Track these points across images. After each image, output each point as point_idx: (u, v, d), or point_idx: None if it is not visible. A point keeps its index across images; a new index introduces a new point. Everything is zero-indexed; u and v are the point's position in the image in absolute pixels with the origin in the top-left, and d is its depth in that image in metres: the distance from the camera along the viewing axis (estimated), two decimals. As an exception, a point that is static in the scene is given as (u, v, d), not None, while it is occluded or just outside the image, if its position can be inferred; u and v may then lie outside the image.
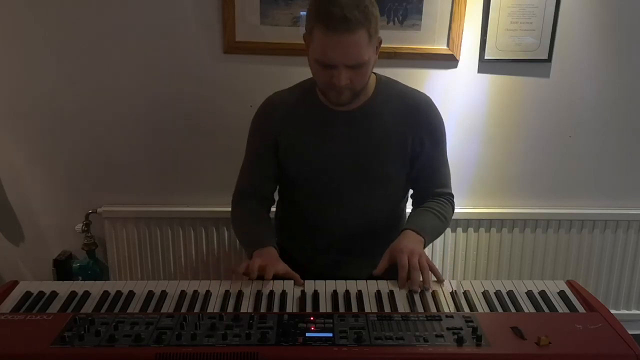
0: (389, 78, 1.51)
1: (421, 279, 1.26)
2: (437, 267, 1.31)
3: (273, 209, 1.62)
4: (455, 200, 2.05)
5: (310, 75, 1.43)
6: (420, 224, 1.41)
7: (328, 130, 1.45)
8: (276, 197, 1.63)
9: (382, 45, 1.82)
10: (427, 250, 2.06)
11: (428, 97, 1.50)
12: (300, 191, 1.53)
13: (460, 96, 1.96)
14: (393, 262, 1.31)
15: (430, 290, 1.24)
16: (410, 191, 1.60)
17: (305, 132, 1.47)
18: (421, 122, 1.46)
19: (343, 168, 1.46)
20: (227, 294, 1.22)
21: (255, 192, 1.54)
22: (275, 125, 1.48)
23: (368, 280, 1.27)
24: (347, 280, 1.27)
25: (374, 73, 1.46)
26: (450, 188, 1.55)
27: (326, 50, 1.28)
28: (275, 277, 1.29)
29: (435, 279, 1.28)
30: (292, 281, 1.28)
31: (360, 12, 1.24)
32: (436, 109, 1.49)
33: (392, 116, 1.45)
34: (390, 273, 1.31)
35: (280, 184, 1.59)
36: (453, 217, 2.01)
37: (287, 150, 1.48)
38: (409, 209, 1.60)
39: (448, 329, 1.06)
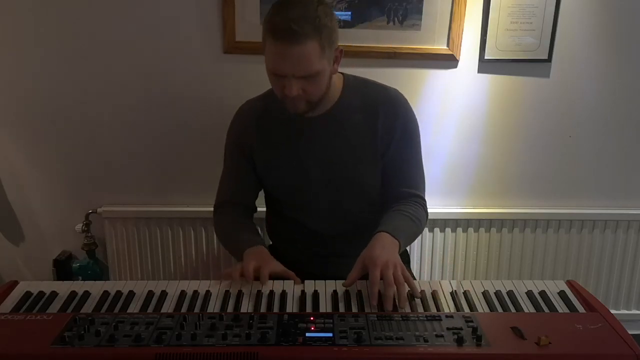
0: (358, 77, 1.49)
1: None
2: (412, 280, 1.22)
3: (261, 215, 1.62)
4: (455, 200, 2.06)
5: None
6: (394, 226, 1.34)
7: (298, 138, 1.44)
8: (262, 203, 1.62)
9: (382, 46, 1.86)
10: (426, 251, 2.07)
11: (398, 92, 1.48)
12: (280, 198, 1.54)
13: (460, 96, 1.96)
14: (366, 272, 1.23)
15: (403, 307, 1.15)
16: None
17: (276, 140, 1.47)
18: (389, 117, 1.43)
19: (317, 173, 1.45)
20: (227, 294, 1.22)
21: (235, 202, 1.54)
22: (247, 134, 1.48)
23: (368, 280, 1.27)
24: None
25: (342, 73, 1.46)
26: (421, 191, 1.49)
27: (274, 60, 1.28)
28: (273, 276, 1.28)
29: (411, 293, 1.20)
30: (292, 281, 1.28)
31: (308, 24, 1.23)
32: (407, 103, 1.47)
33: (361, 115, 1.43)
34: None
35: (264, 190, 1.59)
36: (453, 217, 2.03)
37: (261, 160, 1.49)
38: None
39: (448, 329, 1.06)
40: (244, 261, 1.31)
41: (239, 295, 1.22)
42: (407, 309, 1.16)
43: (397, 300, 1.17)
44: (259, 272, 1.27)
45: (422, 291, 1.23)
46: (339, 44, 1.36)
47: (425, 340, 1.02)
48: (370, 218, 1.48)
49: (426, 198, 1.51)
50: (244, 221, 1.52)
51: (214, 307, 1.18)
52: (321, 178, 1.46)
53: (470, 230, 2.07)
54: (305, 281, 1.28)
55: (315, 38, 1.24)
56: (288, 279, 1.29)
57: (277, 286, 1.25)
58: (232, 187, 1.54)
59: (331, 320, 1.09)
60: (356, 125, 1.43)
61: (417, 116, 1.50)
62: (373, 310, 1.16)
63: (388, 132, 1.43)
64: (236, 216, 1.52)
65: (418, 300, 1.20)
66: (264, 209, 1.67)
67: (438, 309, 1.17)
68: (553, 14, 1.86)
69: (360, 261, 1.26)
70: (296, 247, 1.55)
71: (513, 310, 1.17)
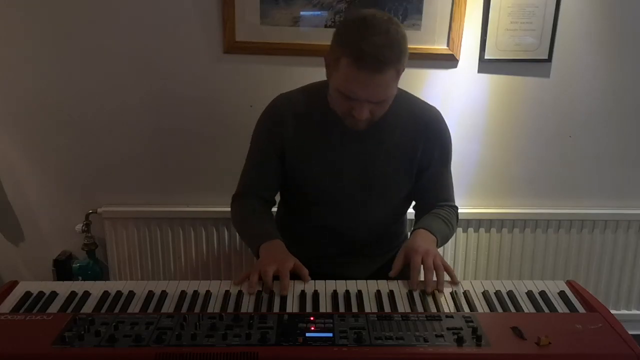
0: (401, 90, 1.46)
1: (435, 280, 1.24)
2: (452, 268, 1.29)
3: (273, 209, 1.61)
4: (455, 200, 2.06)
5: (316, 79, 1.44)
6: (431, 225, 1.40)
7: (338, 141, 1.43)
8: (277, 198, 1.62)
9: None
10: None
11: (439, 112, 1.49)
12: (304, 198, 1.52)
13: (460, 96, 1.96)
14: (408, 262, 1.29)
15: (442, 293, 1.22)
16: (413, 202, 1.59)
17: (315, 141, 1.44)
18: (431, 137, 1.45)
19: (350, 179, 1.45)
20: (227, 294, 1.22)
21: (255, 194, 1.53)
22: (284, 131, 1.44)
23: (368, 280, 1.27)
24: (347, 280, 1.27)
25: None
26: (454, 201, 1.54)
27: (351, 85, 1.24)
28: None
29: (450, 280, 1.27)
30: (293, 281, 1.27)
31: (392, 52, 1.21)
32: (446, 124, 1.49)
33: (402, 130, 1.44)
34: (403, 273, 1.30)
35: (283, 188, 1.57)
36: (453, 217, 2.03)
37: (295, 158, 1.46)
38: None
39: (448, 329, 1.06)
40: (261, 262, 1.30)
41: (239, 295, 1.21)
42: (407, 308, 1.16)
43: (437, 286, 1.23)
44: (277, 272, 1.26)
45: (423, 291, 1.23)
46: None
47: (425, 340, 1.02)
48: (391, 226, 1.50)
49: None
50: (261, 212, 1.50)
51: (214, 307, 1.18)
52: (354, 181, 1.45)
53: (470, 230, 2.07)
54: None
55: (395, 66, 1.23)
56: (299, 274, 1.29)
57: (277, 286, 1.25)
58: (255, 180, 1.52)
59: (331, 320, 1.09)
60: (398, 137, 1.44)
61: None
62: (373, 310, 1.16)
63: (428, 153, 1.45)
64: (254, 207, 1.50)
65: (418, 301, 1.20)
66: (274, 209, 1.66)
67: (438, 309, 1.17)
68: (553, 14, 1.87)
69: (402, 252, 1.32)
70: (308, 246, 1.54)
71: (513, 310, 1.17)
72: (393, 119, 1.42)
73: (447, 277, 1.28)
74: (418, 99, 1.51)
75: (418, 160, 1.45)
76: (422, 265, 1.27)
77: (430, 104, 1.51)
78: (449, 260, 2.10)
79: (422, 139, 1.44)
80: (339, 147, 1.44)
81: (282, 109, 1.46)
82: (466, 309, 1.17)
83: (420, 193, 1.51)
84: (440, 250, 2.04)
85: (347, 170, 1.45)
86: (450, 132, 1.96)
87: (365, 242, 1.52)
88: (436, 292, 1.23)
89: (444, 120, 1.49)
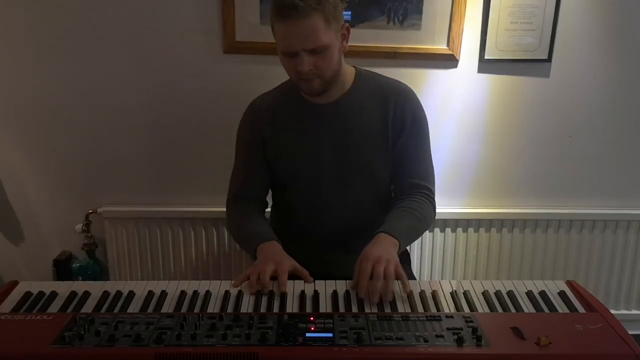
0: (369, 70, 1.53)
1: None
2: (405, 276, 1.23)
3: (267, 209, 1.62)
4: (455, 200, 2.06)
5: None
6: (395, 226, 1.36)
7: (311, 125, 1.47)
8: (269, 202, 1.63)
9: (382, 45, 1.86)
10: (426, 251, 2.07)
11: (409, 87, 1.51)
12: (291, 191, 1.54)
13: (460, 96, 1.96)
14: None
15: (389, 300, 1.17)
16: None
17: (289, 129, 1.49)
18: (401, 103, 1.47)
19: (329, 161, 1.47)
20: (227, 294, 1.22)
21: (247, 195, 1.54)
22: (260, 128, 1.50)
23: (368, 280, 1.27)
24: (347, 280, 1.27)
25: (354, 67, 1.49)
26: (430, 183, 1.50)
27: (285, 39, 1.33)
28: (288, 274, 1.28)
29: (402, 289, 1.22)
30: (293, 281, 1.27)
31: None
32: (417, 98, 1.51)
33: (373, 106, 1.46)
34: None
35: (271, 188, 1.59)
36: (453, 217, 2.03)
37: (274, 151, 1.50)
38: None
39: (448, 329, 1.06)
40: (259, 263, 1.30)
41: (239, 295, 1.22)
42: (407, 308, 1.16)
43: (385, 295, 1.18)
44: (275, 273, 1.27)
45: (422, 291, 1.23)
46: None
47: (425, 340, 1.02)
48: (378, 215, 1.49)
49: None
50: (255, 215, 1.52)
51: (214, 307, 1.18)
52: (333, 165, 1.48)
53: (470, 230, 2.07)
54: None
55: (319, 11, 1.30)
56: (300, 276, 1.29)
57: (276, 286, 1.25)
58: (244, 180, 1.55)
59: (331, 320, 1.09)
60: (368, 113, 1.46)
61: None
62: (373, 309, 1.16)
63: (399, 122, 1.46)
64: (248, 210, 1.53)
65: (418, 301, 1.20)
66: (269, 210, 1.66)
67: (438, 309, 1.17)
68: (553, 14, 1.86)
69: (358, 261, 1.27)
70: (301, 244, 1.54)
71: (513, 310, 1.17)
72: (362, 96, 1.47)
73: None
74: (388, 77, 1.53)
75: (390, 133, 1.46)
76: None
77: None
78: (448, 260, 2.09)
79: (391, 109, 1.46)
80: (313, 133, 1.47)
81: (259, 106, 1.53)
82: (466, 309, 1.17)
83: (394, 170, 1.51)
84: (439, 250, 2.07)
85: (324, 153, 1.47)
86: (451, 132, 1.98)
87: (356, 234, 1.51)
88: (435, 291, 1.22)
89: (415, 95, 1.51)
